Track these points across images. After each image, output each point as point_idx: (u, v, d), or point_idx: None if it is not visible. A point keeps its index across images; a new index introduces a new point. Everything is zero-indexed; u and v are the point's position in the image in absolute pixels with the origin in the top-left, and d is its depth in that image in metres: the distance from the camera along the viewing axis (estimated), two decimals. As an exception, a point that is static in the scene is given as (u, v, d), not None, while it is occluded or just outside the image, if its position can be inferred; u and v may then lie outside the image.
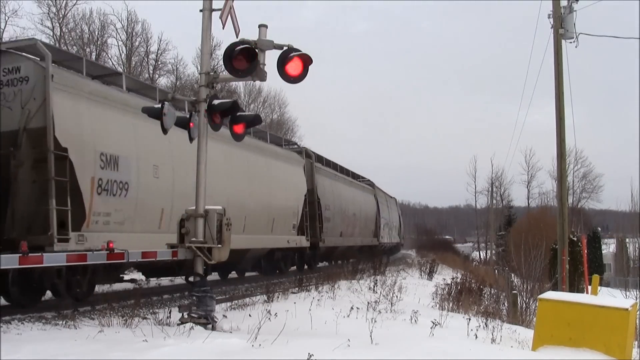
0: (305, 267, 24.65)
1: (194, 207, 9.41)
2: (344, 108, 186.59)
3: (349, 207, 30.21)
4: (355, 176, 35.53)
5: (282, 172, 21.13)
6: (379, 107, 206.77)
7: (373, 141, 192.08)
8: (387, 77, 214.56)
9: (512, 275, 21.75)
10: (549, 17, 18.10)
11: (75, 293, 11.58)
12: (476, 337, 9.20)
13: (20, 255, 8.89)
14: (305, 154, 25.00)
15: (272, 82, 37.52)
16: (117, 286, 14.08)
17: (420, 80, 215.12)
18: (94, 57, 36.48)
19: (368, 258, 25.49)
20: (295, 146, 26.20)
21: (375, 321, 8.55)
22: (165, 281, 17.75)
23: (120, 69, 36.51)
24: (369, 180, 39.34)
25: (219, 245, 9.27)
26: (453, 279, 20.60)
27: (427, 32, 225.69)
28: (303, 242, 22.63)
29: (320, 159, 27.72)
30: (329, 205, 26.18)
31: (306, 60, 9.12)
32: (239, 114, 9.80)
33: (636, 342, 9.51)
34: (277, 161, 20.87)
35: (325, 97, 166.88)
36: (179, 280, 17.22)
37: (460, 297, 16.33)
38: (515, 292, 16.67)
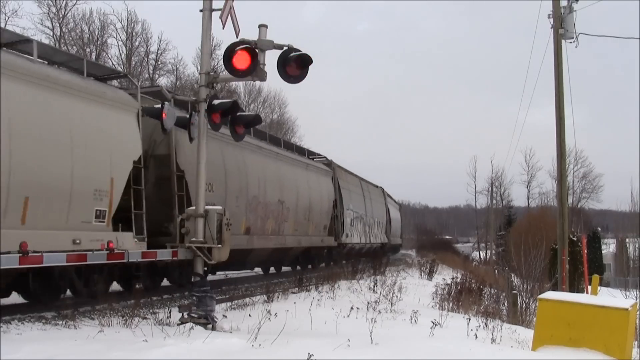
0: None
1: (194, 207, 9.43)
2: (344, 108, 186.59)
3: (269, 189, 19.58)
4: (293, 148, 25.04)
5: (58, 114, 10.34)
6: (380, 107, 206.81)
7: (373, 141, 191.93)
8: (387, 77, 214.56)
9: (512, 275, 21.76)
10: (549, 17, 18.11)
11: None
12: (476, 337, 9.21)
13: (20, 255, 8.88)
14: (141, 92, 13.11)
15: (272, 82, 37.55)
16: (117, 286, 14.07)
17: (421, 80, 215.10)
18: (94, 57, 36.52)
19: (317, 265, 20.90)
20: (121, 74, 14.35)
21: (375, 321, 8.56)
22: (164, 281, 17.71)
23: (120, 69, 36.53)
24: (323, 157, 28.24)
25: (219, 245, 9.29)
26: (453, 279, 20.61)
27: (428, 32, 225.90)
28: (126, 243, 11.50)
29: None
30: (212, 183, 15.47)
31: (306, 60, 9.13)
32: (239, 114, 9.81)
33: (636, 342, 9.52)
34: (47, 92, 10.04)
35: (325, 97, 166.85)
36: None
37: (460, 297, 16.34)
38: (515, 292, 16.67)
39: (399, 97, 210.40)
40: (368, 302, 11.81)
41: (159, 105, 9.50)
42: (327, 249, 25.82)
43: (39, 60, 10.46)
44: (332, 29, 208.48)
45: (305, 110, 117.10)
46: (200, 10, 9.49)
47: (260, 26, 9.34)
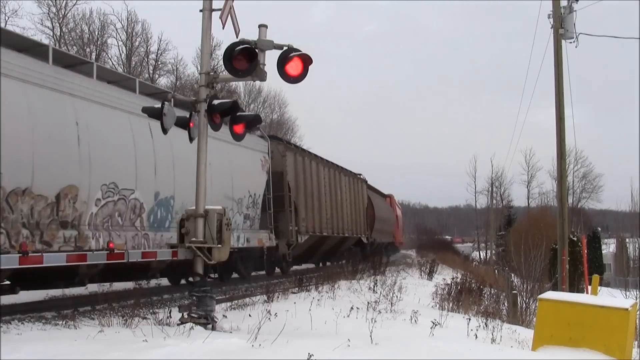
0: None
1: (194, 207, 9.42)
2: (345, 108, 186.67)
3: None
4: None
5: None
6: (381, 107, 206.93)
7: (374, 141, 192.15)
8: (388, 77, 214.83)
9: (512, 275, 21.74)
10: (549, 17, 18.11)
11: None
12: (476, 337, 9.21)
13: (20, 255, 8.88)
14: None
15: (272, 82, 37.55)
16: (117, 286, 14.08)
17: (422, 80, 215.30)
18: (94, 57, 36.50)
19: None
20: None
21: (375, 321, 8.55)
22: (164, 281, 17.71)
23: (120, 69, 36.52)
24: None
25: (219, 245, 9.28)
26: (453, 279, 20.60)
27: (431, 33, 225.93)
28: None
29: None
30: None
31: (306, 60, 9.12)
32: (238, 114, 9.81)
33: (636, 342, 9.51)
34: None
35: (326, 97, 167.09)
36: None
37: (460, 297, 16.33)
38: (515, 292, 16.67)
39: (400, 97, 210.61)
40: (368, 302, 11.81)
41: (159, 105, 9.48)
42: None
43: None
44: (340, 29, 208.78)
45: (307, 110, 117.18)
46: (200, 10, 9.48)
47: (260, 26, 9.33)
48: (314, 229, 22.70)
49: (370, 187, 35.06)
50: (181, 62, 44.23)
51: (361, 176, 31.90)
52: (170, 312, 9.31)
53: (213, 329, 8.72)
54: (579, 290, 20.32)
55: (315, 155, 24.98)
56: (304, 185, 22.08)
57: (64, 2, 36.45)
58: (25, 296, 12.22)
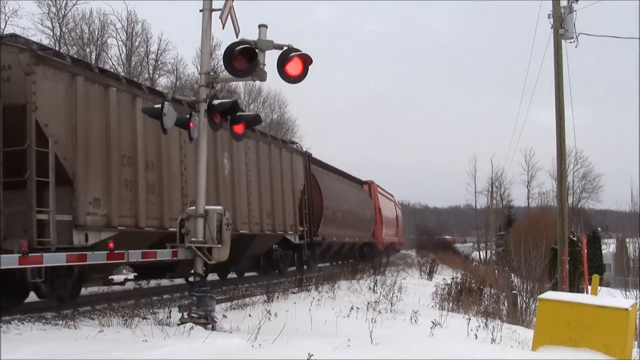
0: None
1: (194, 207, 9.42)
2: (346, 108, 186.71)
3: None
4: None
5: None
6: (381, 107, 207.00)
7: (374, 141, 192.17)
8: (388, 77, 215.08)
9: (512, 275, 21.75)
10: (549, 17, 18.12)
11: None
12: (476, 337, 9.21)
13: (20, 255, 8.86)
14: None
15: (272, 82, 37.48)
16: (117, 286, 14.06)
17: (422, 80, 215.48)
18: (94, 57, 36.50)
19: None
20: None
21: (375, 321, 8.56)
22: (165, 281, 17.74)
23: (120, 69, 36.53)
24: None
25: (219, 245, 9.28)
26: (453, 279, 20.59)
27: (431, 33, 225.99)
28: None
29: None
30: None
31: (306, 60, 9.13)
32: (238, 114, 9.81)
33: (636, 342, 9.51)
34: None
35: (326, 97, 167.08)
36: (179, 280, 17.20)
37: (460, 297, 16.33)
38: (515, 292, 16.67)
39: (401, 97, 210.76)
40: (368, 302, 11.81)
41: (159, 105, 9.48)
42: None
43: None
44: (342, 29, 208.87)
45: (308, 110, 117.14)
46: (200, 10, 9.49)
47: (260, 26, 9.33)
48: (136, 220, 12.01)
49: (320, 164, 25.42)
50: (181, 62, 44.25)
51: (296, 145, 22.58)
52: (170, 312, 9.32)
53: (213, 329, 8.73)
54: (579, 290, 20.32)
55: (151, 89, 14.33)
56: (105, 137, 11.24)
57: (64, 2, 36.42)
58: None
